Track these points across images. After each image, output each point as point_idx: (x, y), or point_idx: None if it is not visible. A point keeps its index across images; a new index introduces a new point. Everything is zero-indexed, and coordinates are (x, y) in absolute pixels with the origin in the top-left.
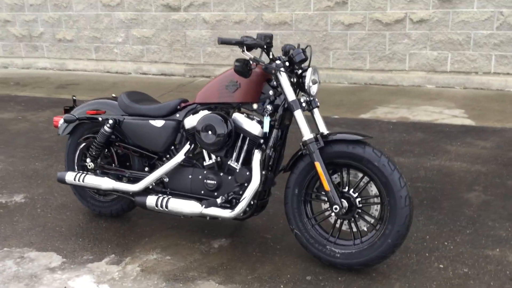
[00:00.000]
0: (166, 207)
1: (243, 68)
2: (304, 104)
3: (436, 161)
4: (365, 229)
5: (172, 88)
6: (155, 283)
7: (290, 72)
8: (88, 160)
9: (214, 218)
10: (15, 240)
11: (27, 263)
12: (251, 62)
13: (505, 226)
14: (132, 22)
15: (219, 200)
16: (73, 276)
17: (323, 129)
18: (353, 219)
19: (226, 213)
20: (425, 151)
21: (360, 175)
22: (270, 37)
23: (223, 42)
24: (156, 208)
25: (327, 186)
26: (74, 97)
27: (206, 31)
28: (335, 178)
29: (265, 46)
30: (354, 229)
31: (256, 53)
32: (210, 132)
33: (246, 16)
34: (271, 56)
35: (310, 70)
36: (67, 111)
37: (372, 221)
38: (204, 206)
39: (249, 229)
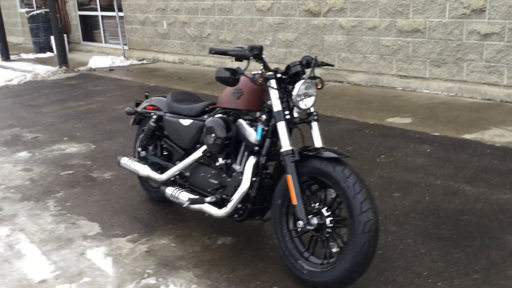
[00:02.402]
0: (177, 198)
1: (227, 77)
2: (292, 117)
3: (507, 195)
4: (334, 250)
5: None
6: (147, 264)
7: (290, 83)
8: (139, 148)
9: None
10: (80, 209)
11: (73, 229)
12: (238, 72)
13: None
14: (279, 26)
15: (207, 199)
16: (94, 246)
17: (318, 143)
18: (325, 238)
19: (215, 212)
20: (504, 182)
21: (334, 194)
22: (259, 48)
23: (211, 51)
24: (171, 198)
25: (294, 200)
26: (146, 94)
27: (342, 36)
28: (318, 194)
29: (251, 57)
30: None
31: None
32: (213, 134)
33: (380, 22)
34: (261, 67)
35: (299, 83)
36: (137, 105)
37: (340, 243)
38: (188, 202)
39: (260, 232)
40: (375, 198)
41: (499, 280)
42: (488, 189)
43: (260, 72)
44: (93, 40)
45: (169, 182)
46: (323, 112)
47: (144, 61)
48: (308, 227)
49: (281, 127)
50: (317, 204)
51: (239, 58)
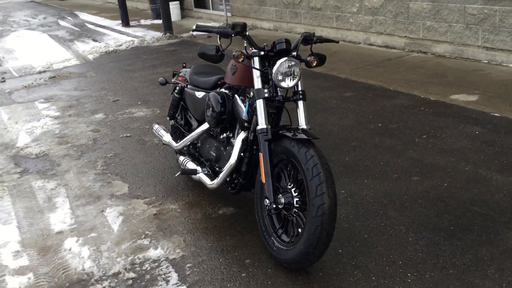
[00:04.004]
0: (185, 167)
1: (210, 55)
2: (274, 95)
3: None
4: (299, 230)
5: (377, 61)
6: (149, 226)
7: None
8: (168, 117)
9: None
10: (120, 170)
11: (106, 188)
12: (220, 50)
13: (503, 281)
14: None
15: (200, 170)
16: (115, 205)
17: (302, 123)
18: (292, 218)
19: (208, 183)
20: None
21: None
22: (242, 26)
23: (195, 29)
24: (182, 166)
25: (263, 178)
26: (184, 64)
27: (427, 3)
28: (292, 174)
29: (233, 35)
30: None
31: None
32: (210, 108)
33: None
34: (245, 45)
35: (279, 61)
36: (174, 75)
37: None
38: (180, 172)
39: None
40: (392, 180)
41: (475, 278)
42: None
43: (240, 50)
44: (203, 7)
45: (184, 151)
46: (387, 86)
47: None
48: (274, 206)
49: (259, 105)
50: (289, 183)
51: (221, 35)
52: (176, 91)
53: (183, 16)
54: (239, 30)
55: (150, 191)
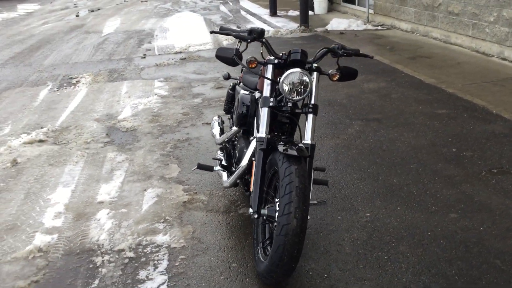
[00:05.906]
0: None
1: (225, 57)
2: (280, 105)
3: None
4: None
5: (498, 79)
6: (172, 212)
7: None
8: (224, 111)
9: None
10: (182, 154)
11: (160, 169)
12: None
13: None
14: (506, 1)
15: (215, 168)
16: (157, 186)
17: (307, 137)
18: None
19: (223, 181)
20: None
21: None
22: (258, 32)
23: (219, 31)
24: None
25: (251, 186)
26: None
27: None
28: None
29: (249, 40)
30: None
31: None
32: (237, 109)
33: None
34: (261, 51)
35: (287, 72)
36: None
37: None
38: (196, 167)
39: None
40: (427, 213)
41: None
42: None
43: (254, 57)
44: (351, 2)
45: (223, 146)
46: (491, 108)
47: (379, 28)
48: (256, 216)
49: (263, 112)
50: (277, 196)
51: (239, 39)
52: (229, 87)
53: (330, 9)
54: (256, 36)
55: (195, 179)
